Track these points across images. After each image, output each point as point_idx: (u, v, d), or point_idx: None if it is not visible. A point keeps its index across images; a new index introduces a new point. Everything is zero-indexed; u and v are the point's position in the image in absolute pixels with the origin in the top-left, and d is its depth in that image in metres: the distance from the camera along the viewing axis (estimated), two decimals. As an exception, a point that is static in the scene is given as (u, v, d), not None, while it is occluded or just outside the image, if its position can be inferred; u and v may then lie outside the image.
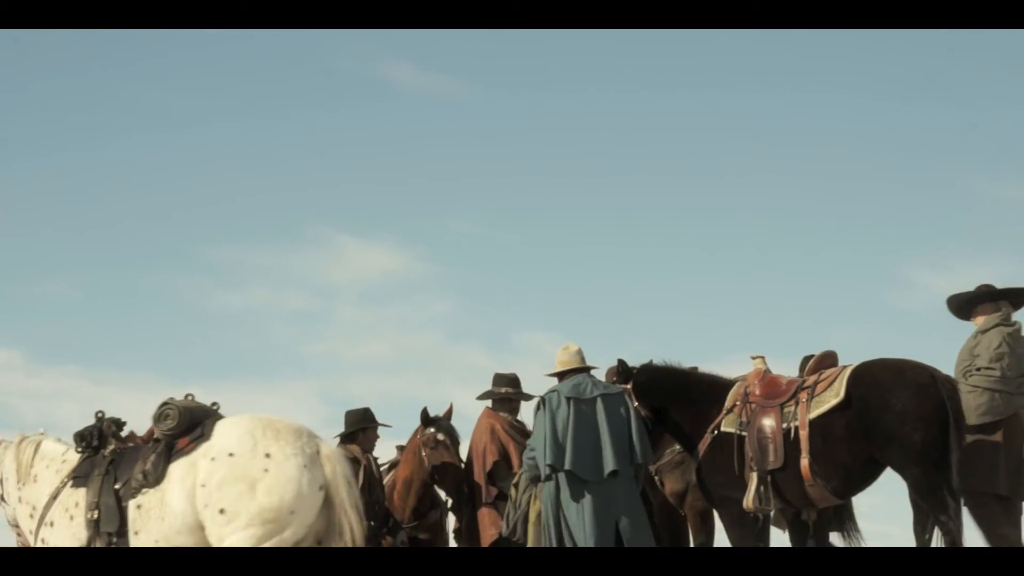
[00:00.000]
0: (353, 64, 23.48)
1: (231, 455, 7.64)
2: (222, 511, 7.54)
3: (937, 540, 8.41)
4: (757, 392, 8.89)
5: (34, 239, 23.58)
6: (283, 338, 24.89)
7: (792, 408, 8.66)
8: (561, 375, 9.40)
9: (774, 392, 8.83)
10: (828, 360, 8.98)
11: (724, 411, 8.99)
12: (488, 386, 10.50)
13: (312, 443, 7.73)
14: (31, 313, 23.70)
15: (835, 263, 22.95)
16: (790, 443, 8.60)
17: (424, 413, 10.20)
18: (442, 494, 10.70)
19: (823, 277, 22.77)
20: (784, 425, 8.65)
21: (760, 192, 23.24)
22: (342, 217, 24.44)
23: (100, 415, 8.51)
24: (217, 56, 22.69)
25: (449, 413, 10.30)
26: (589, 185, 23.68)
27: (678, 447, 9.72)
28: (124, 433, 8.64)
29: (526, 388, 10.52)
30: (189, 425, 7.95)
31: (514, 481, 9.92)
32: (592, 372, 9.45)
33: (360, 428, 10.31)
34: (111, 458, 8.16)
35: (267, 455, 7.60)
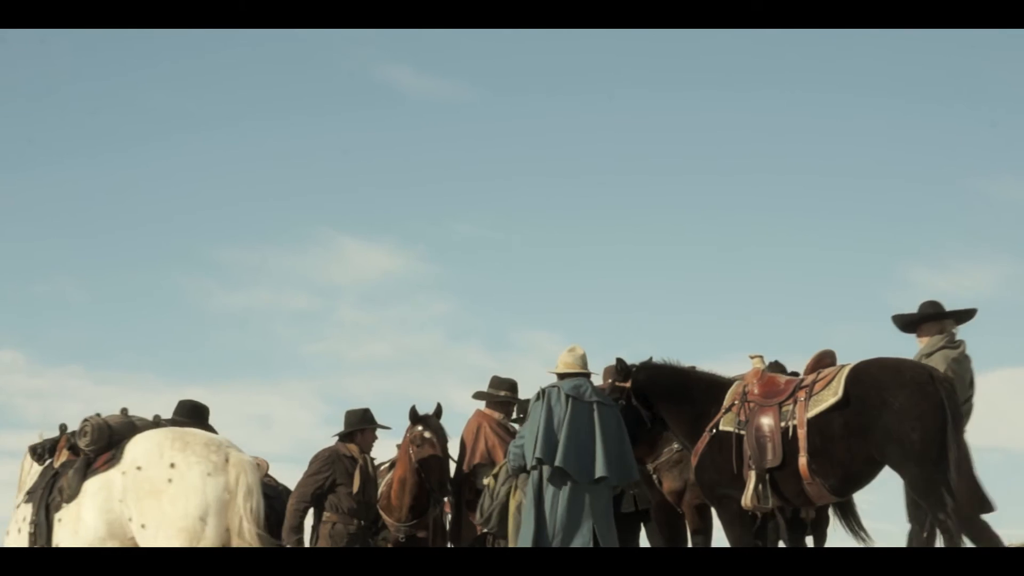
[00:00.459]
0: (354, 67, 23.52)
1: (139, 468, 7.85)
2: (144, 526, 7.74)
3: (935, 538, 8.41)
4: (755, 391, 8.89)
5: (37, 240, 23.71)
6: (284, 338, 25.01)
7: (790, 407, 8.67)
8: (562, 376, 9.39)
9: (772, 391, 8.83)
10: (826, 359, 8.99)
11: (723, 410, 9.00)
12: (487, 385, 10.51)
13: (221, 452, 7.89)
14: (34, 313, 23.82)
15: (835, 262, 23.08)
16: (788, 442, 8.60)
17: (412, 411, 10.21)
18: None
19: (823, 276, 22.87)
20: (782, 424, 8.65)
21: (760, 191, 23.35)
22: (343, 218, 24.56)
23: (62, 427, 8.62)
24: (219, 59, 22.82)
25: (438, 411, 10.29)
26: (588, 185, 23.80)
27: (676, 446, 9.73)
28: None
29: (524, 389, 10.58)
30: (109, 441, 8.09)
31: (494, 472, 9.96)
32: (591, 379, 9.44)
33: (357, 429, 10.32)
34: (55, 471, 8.27)
35: (172, 465, 7.79)
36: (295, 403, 24.15)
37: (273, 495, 10.89)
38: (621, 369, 9.52)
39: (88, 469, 8.08)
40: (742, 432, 8.80)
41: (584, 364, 9.40)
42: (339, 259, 24.90)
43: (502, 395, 10.45)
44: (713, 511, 9.45)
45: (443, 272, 24.63)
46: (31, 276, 23.80)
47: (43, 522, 8.09)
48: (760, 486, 8.62)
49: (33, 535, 8.12)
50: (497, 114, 23.88)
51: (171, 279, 24.36)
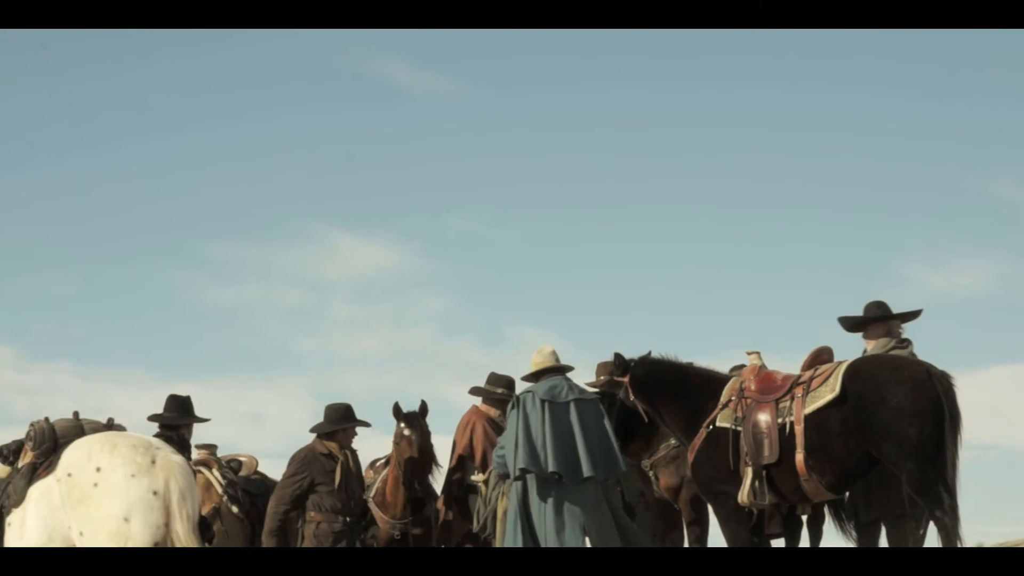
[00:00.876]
0: (349, 63, 23.47)
1: (69, 475, 7.87)
2: (81, 533, 7.77)
3: (932, 534, 8.41)
4: (752, 387, 8.86)
5: (27, 236, 23.62)
6: (277, 334, 24.93)
7: (787, 403, 8.64)
8: (536, 376, 9.35)
9: (769, 387, 8.79)
10: (823, 355, 8.95)
11: (719, 406, 8.97)
12: (482, 381, 10.46)
13: (149, 453, 7.88)
14: (23, 309, 23.73)
15: (831, 259, 23.08)
16: (785, 438, 8.58)
17: (396, 408, 10.18)
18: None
19: (819, 273, 22.85)
20: (779, 420, 8.63)
21: (756, 189, 23.36)
22: (336, 213, 24.47)
23: (46, 420, 8.60)
24: (213, 56, 22.75)
25: (422, 409, 10.23)
26: (584, 182, 23.79)
27: (673, 442, 9.71)
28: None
29: (521, 387, 10.47)
30: (54, 445, 8.12)
31: (484, 478, 9.92)
32: (568, 375, 9.39)
33: (338, 428, 10.21)
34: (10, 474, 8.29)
35: (97, 469, 7.80)
36: (288, 399, 24.11)
37: (259, 492, 10.86)
38: (620, 364, 9.48)
39: (33, 474, 8.11)
40: (739, 428, 8.76)
41: (556, 359, 9.35)
42: (333, 254, 24.87)
43: (499, 392, 10.39)
44: (710, 507, 9.42)
45: (437, 268, 24.61)
46: (20, 271, 23.72)
47: None
48: (757, 482, 8.60)
49: None
50: (493, 109, 23.89)
51: (163, 274, 24.33)
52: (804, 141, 23.10)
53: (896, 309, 9.29)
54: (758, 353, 9.12)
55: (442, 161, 23.87)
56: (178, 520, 7.75)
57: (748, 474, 8.62)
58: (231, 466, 10.87)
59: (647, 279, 23.60)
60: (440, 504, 10.44)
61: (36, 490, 8.03)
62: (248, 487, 10.89)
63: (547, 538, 8.91)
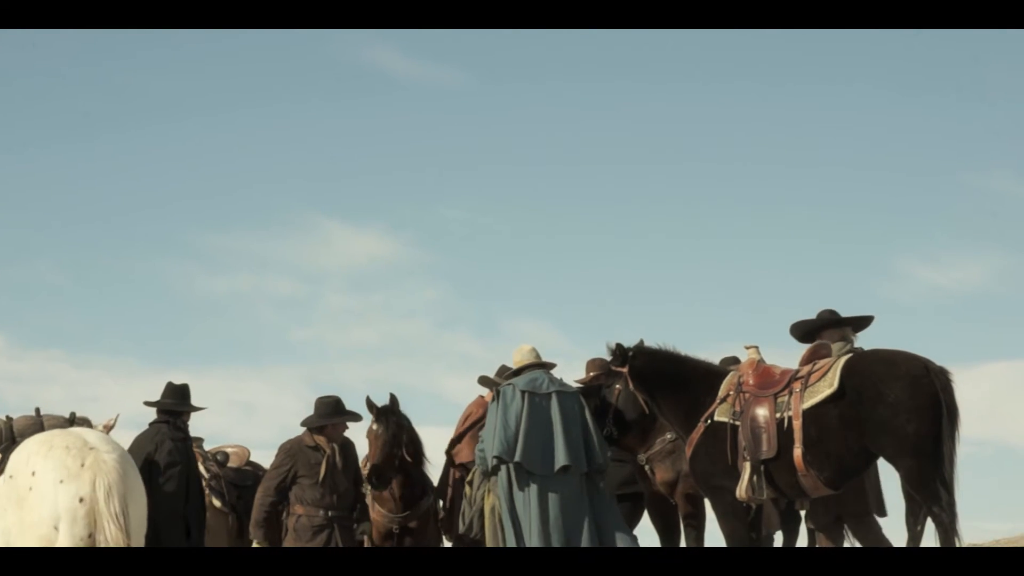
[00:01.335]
0: (342, 51, 23.42)
1: (11, 477, 7.94)
2: (17, 535, 7.82)
3: (930, 531, 8.37)
4: (751, 382, 8.83)
5: (19, 223, 23.50)
6: (270, 324, 24.85)
7: (786, 398, 8.62)
8: (518, 374, 9.39)
9: (768, 382, 8.78)
10: (821, 351, 8.92)
11: (717, 400, 8.94)
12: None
13: (80, 456, 7.87)
14: (15, 297, 23.63)
15: (828, 254, 23.07)
16: (783, 433, 8.55)
17: (368, 402, 10.16)
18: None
19: (816, 268, 22.83)
20: (778, 415, 8.60)
21: (752, 183, 23.32)
22: (330, 203, 24.42)
23: (7, 419, 8.60)
24: (204, 45, 22.65)
25: (392, 403, 10.19)
26: (579, 173, 23.72)
27: (669, 436, 9.67)
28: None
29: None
30: (10, 444, 8.19)
31: (468, 479, 9.92)
32: (551, 371, 9.43)
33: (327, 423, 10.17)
34: None
35: (32, 473, 7.85)
36: (280, 390, 24.03)
37: (247, 484, 10.82)
38: (619, 354, 9.46)
39: None
40: (737, 423, 8.74)
41: (537, 356, 9.41)
42: (326, 244, 24.79)
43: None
44: (707, 502, 9.39)
45: (431, 258, 24.55)
46: (13, 260, 23.61)
47: None
48: (755, 477, 8.58)
49: None
50: (488, 99, 23.81)
51: (156, 264, 24.22)
52: (801, 136, 23.15)
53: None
54: (756, 347, 9.10)
55: (436, 151, 23.83)
56: (106, 519, 7.75)
57: (746, 469, 8.59)
58: (217, 458, 10.83)
59: (643, 272, 23.64)
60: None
61: None
62: (235, 479, 10.84)
63: (531, 530, 8.92)
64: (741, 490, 8.63)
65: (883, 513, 9.29)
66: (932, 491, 8.17)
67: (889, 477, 8.65)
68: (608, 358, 9.60)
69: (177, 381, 9.71)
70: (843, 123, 22.70)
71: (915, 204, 22.98)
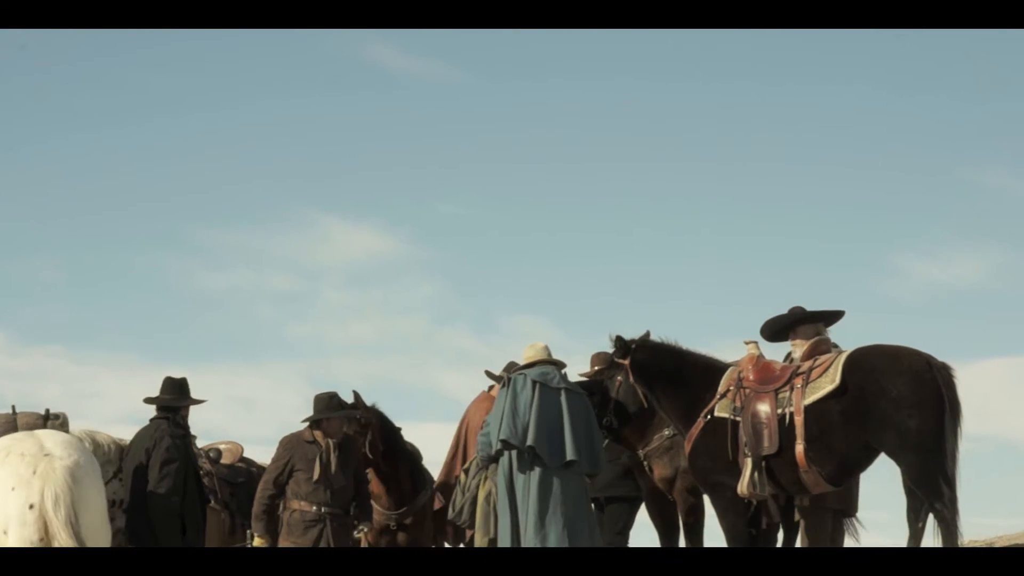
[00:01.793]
0: (341, 48, 23.37)
1: None
2: None
3: (931, 527, 8.36)
4: (751, 377, 8.80)
5: (18, 219, 23.42)
6: (268, 320, 24.79)
7: (787, 394, 8.59)
8: (528, 367, 9.34)
9: (768, 377, 8.75)
10: (822, 346, 8.92)
11: (718, 396, 8.92)
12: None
13: (34, 463, 7.88)
14: (14, 293, 23.57)
15: (827, 251, 23.04)
16: (785, 429, 8.53)
17: (355, 397, 10.15)
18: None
19: (814, 264, 22.80)
20: (779, 411, 8.58)
21: (751, 180, 23.27)
22: (328, 199, 24.36)
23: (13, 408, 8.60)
24: (203, 40, 22.53)
25: (355, 400, 10.16)
26: (578, 170, 23.65)
27: (667, 432, 9.64)
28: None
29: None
30: None
31: (464, 466, 9.89)
32: (562, 370, 9.38)
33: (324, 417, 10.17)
34: None
35: None
36: (279, 385, 23.96)
37: (240, 480, 10.79)
38: (621, 346, 9.44)
39: None
40: (737, 419, 8.71)
41: (548, 353, 9.37)
42: (324, 240, 24.72)
43: None
44: (706, 498, 9.36)
45: (429, 254, 24.48)
46: (11, 256, 23.52)
47: None
48: (756, 473, 8.54)
49: None
50: (486, 96, 23.67)
51: (154, 259, 24.12)
52: (800, 134, 23.13)
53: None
54: (756, 343, 9.07)
55: (433, 147, 23.75)
56: (56, 527, 7.75)
57: (747, 465, 8.57)
58: (210, 455, 10.81)
59: (642, 269, 23.57)
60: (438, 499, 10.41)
61: None
62: (228, 476, 10.80)
63: (528, 523, 8.87)
64: (742, 486, 8.60)
65: (852, 511, 9.31)
66: (934, 487, 8.16)
67: (891, 473, 8.65)
68: (611, 351, 9.59)
69: (175, 375, 9.68)
70: (841, 121, 22.71)
71: (913, 201, 22.99)
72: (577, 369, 9.96)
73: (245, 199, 24.55)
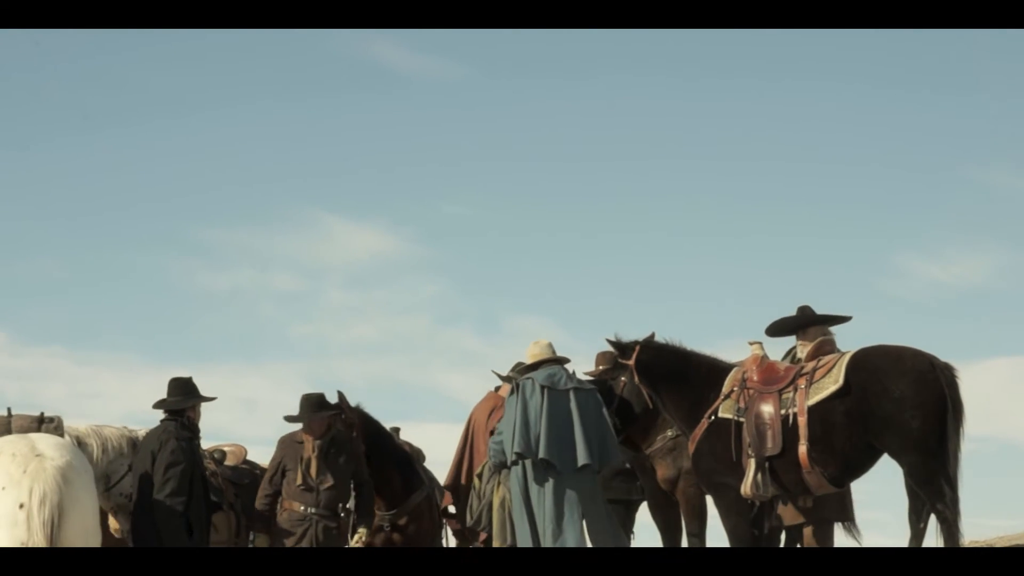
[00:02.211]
0: (344, 47, 23.32)
1: None
2: None
3: (933, 528, 8.38)
4: (755, 378, 8.82)
5: (19, 219, 23.36)
6: (270, 320, 24.75)
7: (790, 394, 8.60)
8: (534, 368, 9.37)
9: (772, 378, 8.76)
10: (826, 347, 8.93)
11: (721, 396, 8.92)
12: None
13: (23, 463, 7.86)
14: (15, 293, 23.50)
15: (829, 250, 23.00)
16: (788, 429, 8.53)
17: (339, 397, 10.17)
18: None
19: (818, 264, 22.76)
20: (783, 411, 8.59)
21: (754, 179, 23.25)
22: (331, 198, 24.30)
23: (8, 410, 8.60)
24: (206, 41, 22.51)
25: (339, 399, 10.17)
26: (581, 169, 23.60)
27: (670, 433, 9.65)
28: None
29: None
30: None
31: (477, 472, 9.90)
32: (565, 365, 9.41)
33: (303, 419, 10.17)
34: None
35: None
36: (281, 386, 23.89)
37: (245, 482, 10.81)
38: (619, 348, 9.47)
39: None
40: (741, 419, 8.73)
41: (553, 351, 9.39)
42: (327, 240, 24.68)
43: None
44: (709, 499, 9.39)
45: (432, 254, 24.44)
46: (13, 256, 23.46)
47: None
48: (759, 474, 8.56)
49: None
50: (490, 95, 23.58)
51: (156, 259, 24.05)
52: (801, 132, 23.11)
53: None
54: (760, 343, 9.08)
55: (437, 146, 23.69)
56: (34, 524, 7.73)
57: (751, 466, 8.58)
58: (214, 456, 10.83)
59: (645, 268, 23.51)
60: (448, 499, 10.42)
61: None
62: (233, 477, 10.82)
63: (546, 528, 8.92)
64: (746, 487, 8.62)
65: (848, 517, 9.33)
66: (936, 488, 8.18)
67: (893, 474, 8.67)
68: (615, 351, 9.59)
69: (183, 375, 9.69)
70: (843, 119, 22.70)
71: (915, 200, 22.95)
72: (580, 369, 9.96)
73: (247, 199, 24.54)
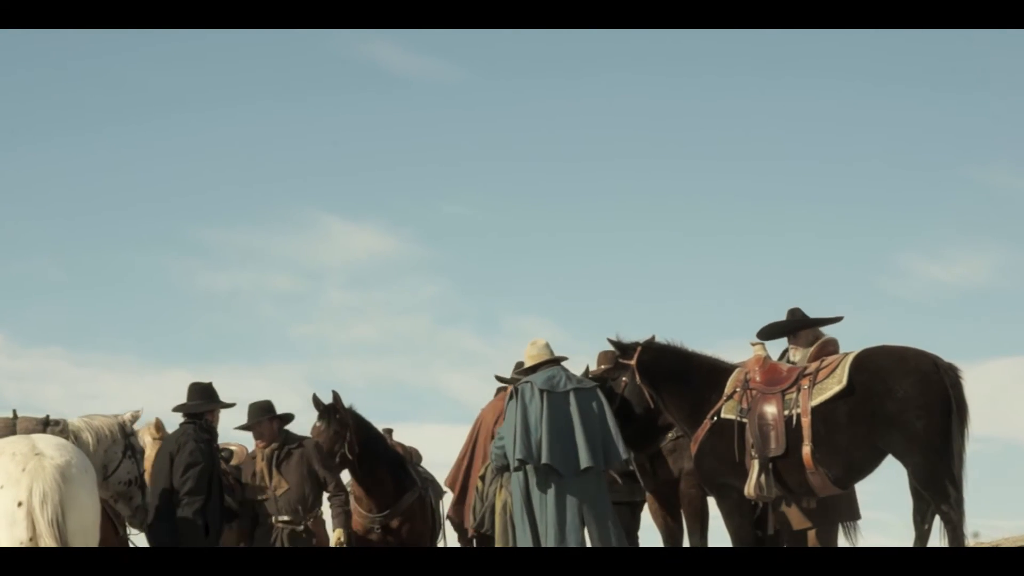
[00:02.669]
0: (341, 47, 23.28)
1: None
2: None
3: (937, 529, 8.36)
4: (758, 378, 8.78)
5: (18, 219, 23.33)
6: (270, 320, 24.71)
7: (794, 395, 8.57)
8: (533, 370, 9.34)
9: (775, 379, 8.73)
10: (829, 347, 8.91)
11: (724, 397, 8.89)
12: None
13: (22, 462, 7.86)
14: (14, 294, 23.47)
15: (829, 250, 22.99)
16: (792, 430, 8.51)
17: (314, 400, 10.15)
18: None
19: (818, 264, 22.77)
20: (786, 412, 8.55)
21: (755, 179, 23.25)
22: (330, 199, 24.29)
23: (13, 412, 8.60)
24: (204, 40, 22.46)
25: (334, 400, 10.15)
26: (580, 169, 23.59)
27: (672, 434, 9.61)
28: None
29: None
30: None
31: (480, 474, 9.88)
32: (564, 364, 9.39)
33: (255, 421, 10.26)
34: None
35: None
36: (280, 387, 23.88)
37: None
38: (620, 348, 9.43)
39: None
40: (744, 420, 8.70)
41: (551, 352, 9.36)
42: (326, 240, 24.65)
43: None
44: (711, 500, 9.37)
45: (432, 254, 24.41)
46: (11, 256, 23.42)
47: None
48: (763, 475, 8.53)
49: None
50: (489, 95, 23.58)
51: (155, 260, 24.05)
52: (802, 131, 23.10)
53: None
54: (762, 344, 9.05)
55: (436, 146, 23.67)
56: (40, 524, 7.73)
57: (754, 467, 8.55)
58: (223, 455, 10.86)
59: (645, 268, 23.52)
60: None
61: None
62: (238, 476, 10.87)
63: (548, 531, 8.90)
64: (749, 488, 8.59)
65: (855, 516, 9.28)
66: (940, 488, 8.16)
67: (897, 474, 8.64)
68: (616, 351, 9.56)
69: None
70: (843, 118, 22.69)
71: (916, 199, 22.97)
72: (579, 369, 9.93)
73: (247, 199, 24.54)
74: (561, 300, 23.58)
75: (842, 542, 9.35)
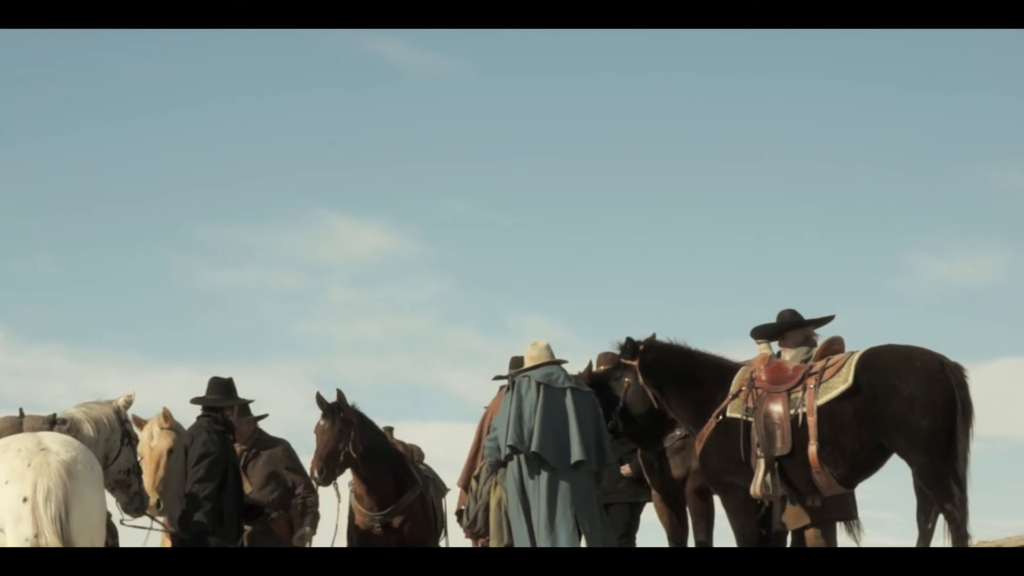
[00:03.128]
0: (346, 43, 23.18)
1: None
2: None
3: (941, 528, 8.36)
4: (763, 377, 8.76)
5: (18, 215, 23.24)
6: (273, 318, 24.65)
7: (799, 394, 8.56)
8: (532, 369, 9.33)
9: (781, 377, 8.71)
10: (835, 345, 8.90)
11: (729, 396, 8.88)
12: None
13: (27, 458, 7.84)
14: (14, 290, 23.39)
15: (834, 249, 22.98)
16: (798, 429, 8.50)
17: (317, 399, 10.16)
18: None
19: (824, 263, 22.76)
20: (792, 411, 8.55)
21: (760, 178, 23.24)
22: (334, 196, 24.22)
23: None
24: (205, 34, 22.39)
25: (339, 399, 10.18)
26: (586, 167, 23.52)
27: (678, 432, 9.61)
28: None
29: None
30: None
31: (475, 473, 9.88)
32: (563, 366, 9.39)
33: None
34: None
35: None
36: (283, 384, 23.79)
37: None
38: (630, 347, 9.41)
39: None
40: (750, 419, 8.68)
41: (551, 353, 9.36)
42: (330, 238, 24.58)
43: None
44: (716, 499, 9.35)
45: (436, 252, 24.34)
46: (12, 252, 23.33)
47: None
48: (768, 474, 8.52)
49: None
50: (494, 92, 23.52)
51: (157, 256, 23.96)
52: (808, 131, 23.06)
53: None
54: (768, 343, 9.08)
55: (440, 143, 23.62)
56: (43, 521, 7.69)
57: (760, 466, 8.54)
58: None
59: (650, 267, 23.50)
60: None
61: None
62: None
63: (539, 527, 8.88)
64: (755, 487, 8.57)
65: (852, 515, 9.26)
66: (945, 488, 8.15)
67: (901, 474, 8.64)
68: (617, 352, 9.56)
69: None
70: (849, 118, 22.66)
71: (923, 198, 22.94)
72: (582, 366, 9.92)
73: (250, 196, 24.47)
74: (565, 298, 23.59)
75: (845, 541, 9.36)
